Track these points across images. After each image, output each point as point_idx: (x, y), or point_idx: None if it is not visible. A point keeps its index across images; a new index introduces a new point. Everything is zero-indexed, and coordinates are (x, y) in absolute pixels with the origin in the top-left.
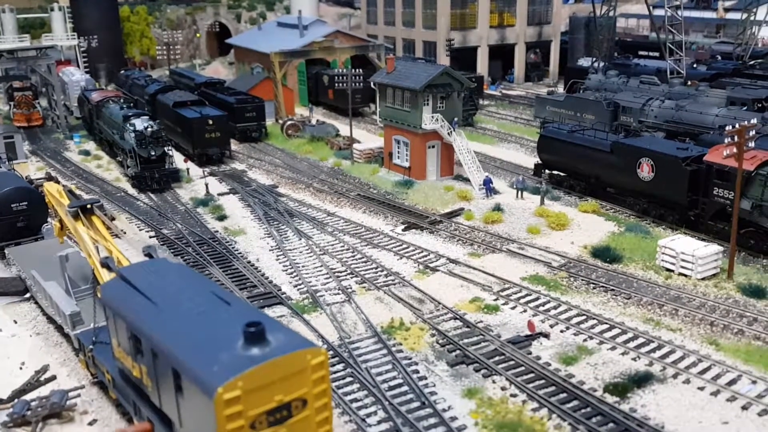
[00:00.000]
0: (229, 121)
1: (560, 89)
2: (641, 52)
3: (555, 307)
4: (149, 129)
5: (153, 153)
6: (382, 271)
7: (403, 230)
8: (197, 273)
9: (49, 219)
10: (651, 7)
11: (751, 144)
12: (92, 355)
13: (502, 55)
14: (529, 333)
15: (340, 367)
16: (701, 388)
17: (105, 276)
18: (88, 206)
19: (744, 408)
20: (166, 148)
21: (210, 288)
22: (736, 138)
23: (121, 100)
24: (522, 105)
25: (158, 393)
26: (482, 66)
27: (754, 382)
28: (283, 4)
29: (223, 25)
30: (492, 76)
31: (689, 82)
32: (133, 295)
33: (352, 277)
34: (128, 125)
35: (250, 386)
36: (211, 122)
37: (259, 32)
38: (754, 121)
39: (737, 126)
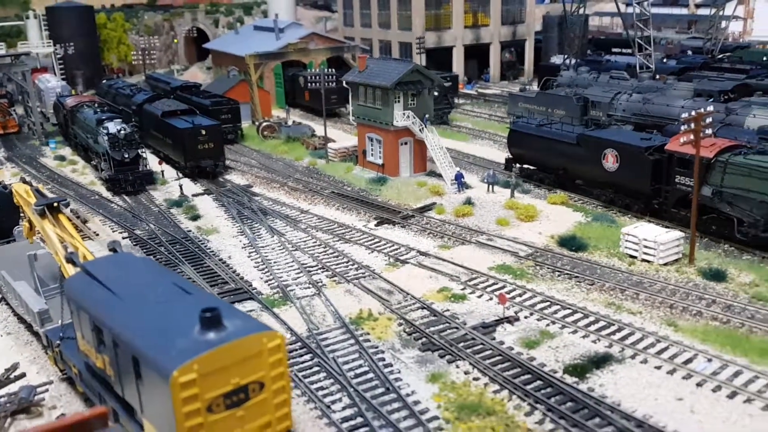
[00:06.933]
0: (222, 130)
1: (535, 87)
2: (615, 49)
3: (520, 294)
4: (122, 132)
5: (126, 156)
6: (353, 264)
7: (375, 225)
8: (161, 266)
9: (20, 221)
10: (622, 5)
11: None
12: (60, 350)
13: (477, 54)
14: (501, 312)
15: (307, 357)
16: (658, 367)
17: (70, 271)
18: (55, 204)
19: (698, 385)
20: (139, 151)
21: (172, 279)
22: (692, 125)
23: (95, 105)
24: (497, 103)
25: (120, 382)
26: (458, 65)
27: (709, 360)
28: (261, 9)
29: (201, 30)
30: (468, 76)
31: (658, 76)
32: (96, 288)
33: (323, 272)
34: (101, 128)
35: (206, 369)
36: (203, 132)
37: (236, 36)
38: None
39: (694, 114)
